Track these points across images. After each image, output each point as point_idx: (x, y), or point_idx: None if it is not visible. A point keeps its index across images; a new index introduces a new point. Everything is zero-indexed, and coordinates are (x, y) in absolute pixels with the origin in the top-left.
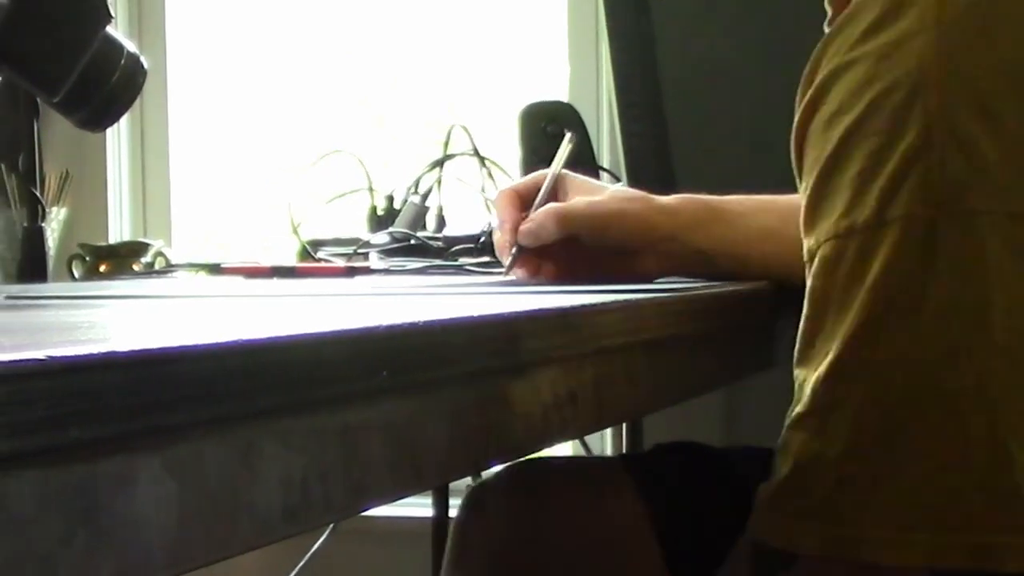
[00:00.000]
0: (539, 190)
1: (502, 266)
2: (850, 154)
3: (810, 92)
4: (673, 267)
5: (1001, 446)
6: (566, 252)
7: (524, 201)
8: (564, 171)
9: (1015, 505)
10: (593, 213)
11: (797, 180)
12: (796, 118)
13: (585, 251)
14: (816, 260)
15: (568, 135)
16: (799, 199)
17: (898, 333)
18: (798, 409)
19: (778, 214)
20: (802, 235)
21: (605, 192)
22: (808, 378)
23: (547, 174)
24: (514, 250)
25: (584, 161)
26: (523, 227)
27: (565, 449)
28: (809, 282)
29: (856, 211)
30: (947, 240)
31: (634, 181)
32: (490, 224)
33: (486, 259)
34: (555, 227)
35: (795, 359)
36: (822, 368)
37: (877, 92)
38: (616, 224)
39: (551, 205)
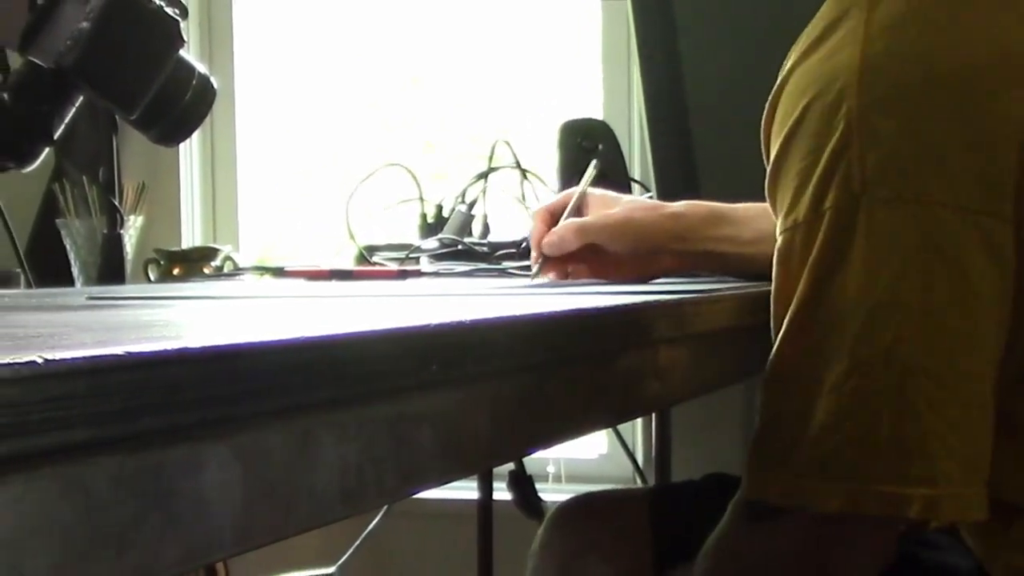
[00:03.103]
0: (567, 206)
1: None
2: (792, 153)
3: (772, 94)
4: (686, 264)
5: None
6: (594, 257)
7: (555, 217)
8: (590, 189)
9: (921, 458)
10: (604, 224)
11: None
12: (764, 118)
13: (610, 255)
14: (776, 254)
15: (595, 161)
16: None
17: (827, 305)
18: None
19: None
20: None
21: (620, 203)
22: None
23: (575, 192)
24: (540, 259)
25: (616, 174)
26: (546, 240)
27: (600, 437)
28: (773, 271)
29: (799, 206)
30: (864, 224)
31: (662, 192)
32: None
33: (528, 263)
34: (574, 238)
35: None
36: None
37: (811, 97)
38: (625, 230)
39: (571, 220)
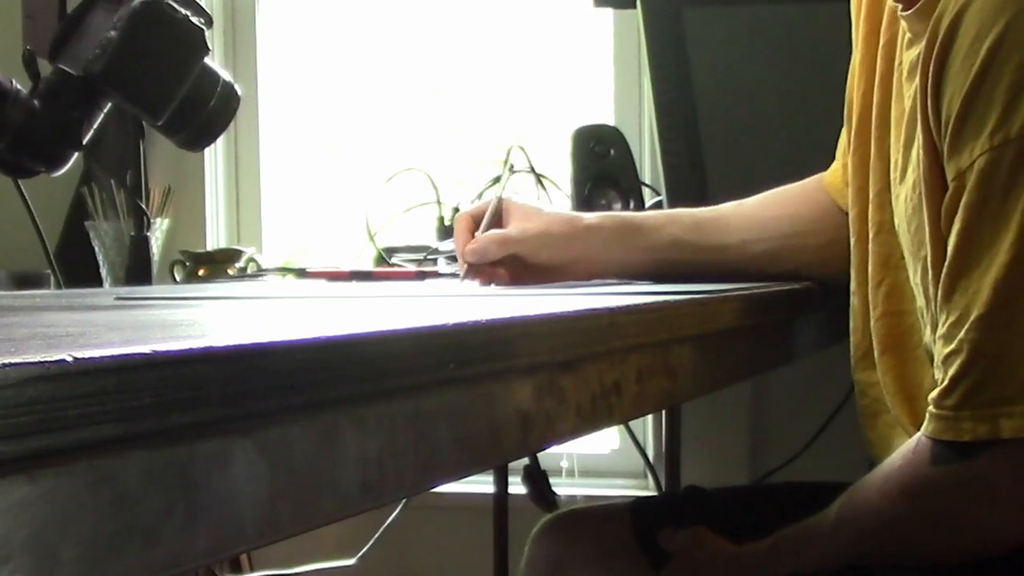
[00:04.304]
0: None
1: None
2: (996, 71)
3: (940, 37)
4: (596, 274)
5: None
6: (514, 264)
7: (477, 224)
8: (507, 198)
9: None
10: (523, 237)
11: (933, 128)
12: (929, 70)
13: (528, 263)
14: (973, 175)
15: (509, 164)
16: (701, 211)
17: None
18: (975, 312)
19: (682, 225)
20: (946, 164)
21: (540, 216)
22: (973, 285)
23: (493, 199)
24: (466, 266)
25: (627, 178)
26: (469, 247)
27: (612, 433)
28: (964, 198)
29: (1009, 122)
30: None
31: (672, 195)
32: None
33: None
34: (496, 249)
35: (948, 276)
36: (993, 270)
37: (1014, 11)
38: (542, 244)
39: (493, 232)
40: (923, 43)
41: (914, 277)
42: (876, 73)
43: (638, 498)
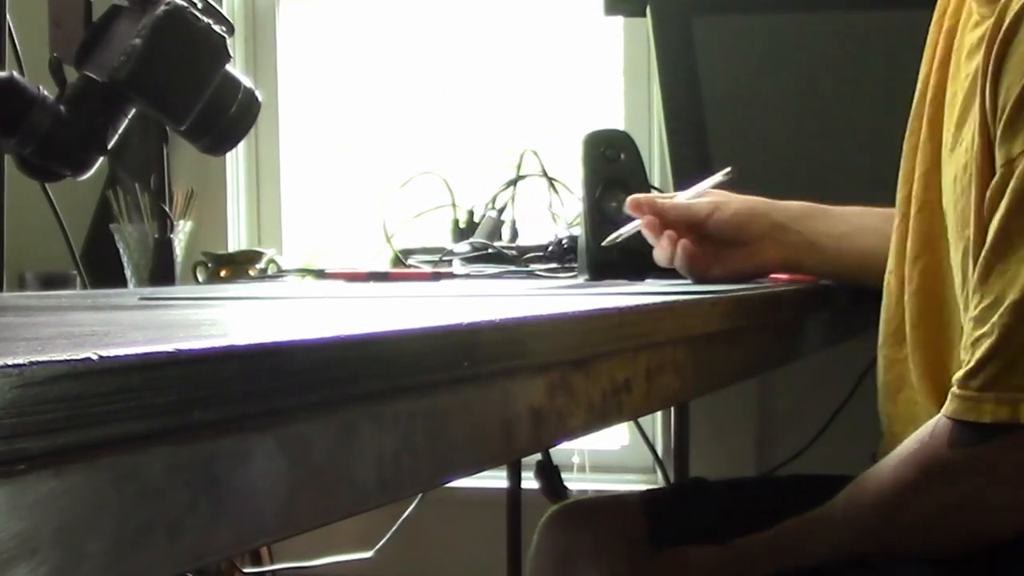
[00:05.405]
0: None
1: (567, 271)
2: None
3: (1006, 23)
4: (790, 255)
5: None
6: (700, 244)
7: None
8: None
9: None
10: (725, 196)
11: (988, 111)
12: (991, 53)
13: (715, 244)
14: (1022, 163)
15: (728, 168)
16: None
17: None
18: (1010, 297)
19: (878, 215)
20: (996, 150)
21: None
22: (1011, 270)
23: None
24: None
25: (637, 181)
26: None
27: (622, 429)
28: (1011, 184)
29: None
30: None
31: None
32: (555, 235)
33: (554, 265)
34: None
35: (986, 259)
36: None
37: None
38: (739, 205)
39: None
40: (989, 24)
41: (955, 256)
42: (935, 58)
43: (647, 491)
